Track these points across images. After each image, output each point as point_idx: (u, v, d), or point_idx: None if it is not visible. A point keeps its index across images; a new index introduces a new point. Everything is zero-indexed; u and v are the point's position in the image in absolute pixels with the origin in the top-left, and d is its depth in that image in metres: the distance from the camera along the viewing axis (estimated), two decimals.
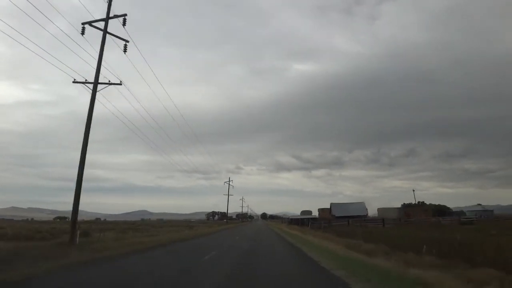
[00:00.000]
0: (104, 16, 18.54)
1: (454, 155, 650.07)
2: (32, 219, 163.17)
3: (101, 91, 18.66)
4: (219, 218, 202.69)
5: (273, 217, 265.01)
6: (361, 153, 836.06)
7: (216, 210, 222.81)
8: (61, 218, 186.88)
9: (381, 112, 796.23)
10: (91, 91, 18.10)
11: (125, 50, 19.52)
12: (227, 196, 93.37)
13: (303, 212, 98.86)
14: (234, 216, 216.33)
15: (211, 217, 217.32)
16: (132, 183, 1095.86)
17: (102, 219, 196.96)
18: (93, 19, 18.51)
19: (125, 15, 18.75)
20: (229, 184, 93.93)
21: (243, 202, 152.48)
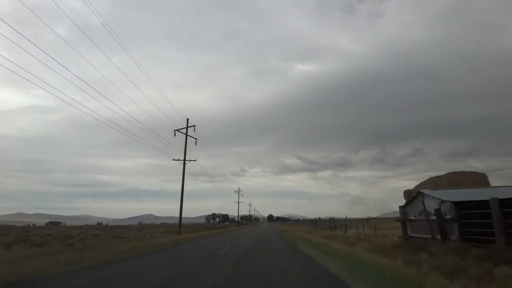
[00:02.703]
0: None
1: (460, 154, 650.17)
2: (33, 224, 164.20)
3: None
4: (220, 221, 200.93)
5: (279, 219, 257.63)
6: (367, 154, 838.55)
7: (222, 212, 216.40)
8: (54, 224, 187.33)
9: (385, 111, 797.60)
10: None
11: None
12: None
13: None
14: (237, 219, 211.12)
15: (211, 220, 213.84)
16: (137, 187, 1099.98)
17: (104, 223, 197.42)
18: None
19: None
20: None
21: (249, 205, 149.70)
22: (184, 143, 33.66)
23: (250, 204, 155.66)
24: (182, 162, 33.48)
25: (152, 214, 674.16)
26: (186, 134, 34.09)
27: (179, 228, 34.28)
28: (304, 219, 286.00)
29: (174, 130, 33.43)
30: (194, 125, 34.63)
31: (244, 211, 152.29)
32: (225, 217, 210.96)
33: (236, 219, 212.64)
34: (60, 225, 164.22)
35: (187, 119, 34.35)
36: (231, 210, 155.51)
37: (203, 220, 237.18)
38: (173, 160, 34.46)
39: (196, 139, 35.01)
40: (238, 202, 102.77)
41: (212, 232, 44.22)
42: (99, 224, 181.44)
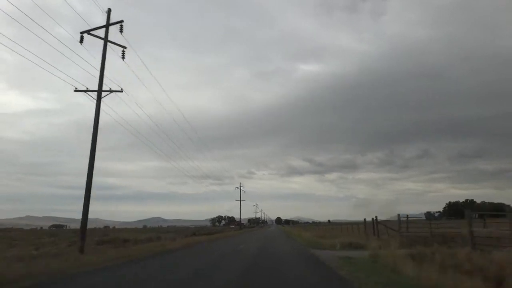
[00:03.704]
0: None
1: (468, 155, 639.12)
2: (41, 228, 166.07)
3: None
4: (226, 224, 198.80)
5: (288, 222, 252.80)
6: (374, 155, 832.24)
7: (229, 215, 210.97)
8: (57, 227, 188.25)
9: (391, 112, 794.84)
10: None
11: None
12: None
13: None
14: (245, 223, 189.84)
15: (216, 223, 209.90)
16: (145, 190, 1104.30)
17: (111, 226, 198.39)
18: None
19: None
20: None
21: (254, 206, 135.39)
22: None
23: (256, 205, 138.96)
24: (95, 95, 17.39)
25: (160, 217, 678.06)
26: (105, 40, 17.58)
27: (81, 238, 16.02)
28: (313, 222, 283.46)
29: (81, 33, 17.29)
30: (121, 21, 17.99)
31: (251, 214, 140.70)
32: (231, 220, 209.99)
33: (243, 222, 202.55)
34: (64, 228, 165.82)
35: (108, 10, 17.85)
36: (243, 213, 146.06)
37: (209, 223, 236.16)
38: (75, 91, 17.59)
39: (125, 47, 18.32)
40: (240, 200, 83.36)
41: (176, 246, 22.97)
42: (106, 227, 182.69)
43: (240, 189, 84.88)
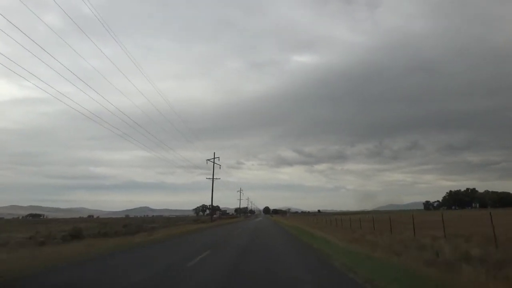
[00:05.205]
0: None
1: (457, 148, 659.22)
2: (23, 217, 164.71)
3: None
4: (210, 213, 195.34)
5: (277, 212, 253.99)
6: (364, 147, 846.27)
7: (220, 206, 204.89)
8: (34, 216, 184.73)
9: (383, 104, 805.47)
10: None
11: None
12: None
13: None
14: (232, 212, 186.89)
15: (200, 212, 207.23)
16: (133, 180, 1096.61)
17: (96, 216, 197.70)
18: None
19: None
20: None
21: (242, 195, 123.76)
22: None
23: (240, 190, 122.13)
24: None
25: (148, 207, 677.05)
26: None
27: None
28: (302, 212, 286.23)
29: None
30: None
31: (239, 203, 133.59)
32: (215, 209, 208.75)
33: (227, 211, 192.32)
34: (41, 217, 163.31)
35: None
36: (231, 203, 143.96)
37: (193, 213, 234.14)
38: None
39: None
40: (213, 179, 56.73)
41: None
42: (90, 216, 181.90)
43: (214, 162, 57.85)
